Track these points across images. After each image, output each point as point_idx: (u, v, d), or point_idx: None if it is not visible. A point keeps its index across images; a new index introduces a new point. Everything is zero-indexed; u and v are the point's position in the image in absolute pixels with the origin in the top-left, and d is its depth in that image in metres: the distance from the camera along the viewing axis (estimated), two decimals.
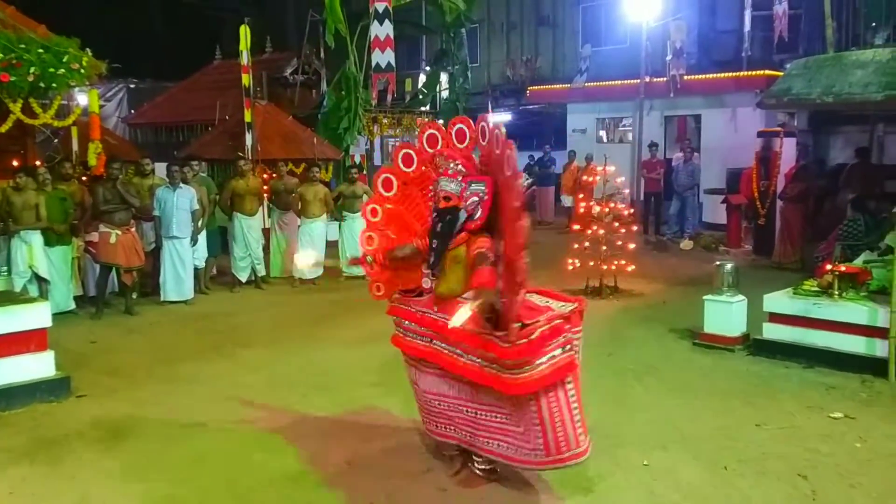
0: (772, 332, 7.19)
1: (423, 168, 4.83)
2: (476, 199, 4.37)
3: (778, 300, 7.23)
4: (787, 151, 12.77)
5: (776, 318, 7.17)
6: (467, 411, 4.37)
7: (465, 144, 4.69)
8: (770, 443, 5.14)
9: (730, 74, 16.48)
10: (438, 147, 4.74)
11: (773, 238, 12.34)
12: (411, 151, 4.88)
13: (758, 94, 14.48)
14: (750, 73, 15.99)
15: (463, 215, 4.37)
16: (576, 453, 4.11)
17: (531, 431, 4.08)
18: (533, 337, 3.93)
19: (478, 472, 4.58)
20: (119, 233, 8.93)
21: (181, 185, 9.59)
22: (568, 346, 4.08)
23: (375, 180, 4.96)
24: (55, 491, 4.56)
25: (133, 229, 9.21)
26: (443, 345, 4.34)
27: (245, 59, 12.87)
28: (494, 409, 4.23)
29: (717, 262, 7.80)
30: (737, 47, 16.65)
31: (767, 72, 15.61)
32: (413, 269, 4.72)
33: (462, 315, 3.88)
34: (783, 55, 15.99)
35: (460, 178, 4.42)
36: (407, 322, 4.59)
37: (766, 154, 12.75)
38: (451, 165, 4.47)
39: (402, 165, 4.90)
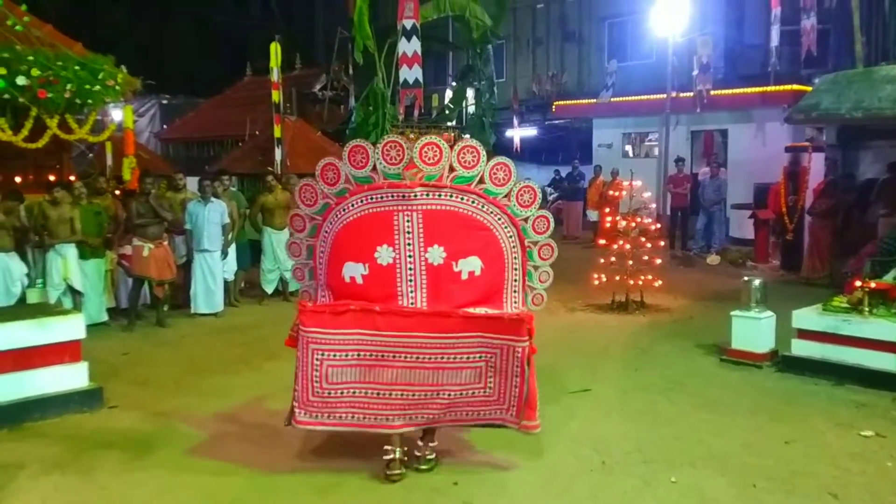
0: (801, 348, 7.12)
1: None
2: None
3: (807, 316, 7.17)
4: (816, 166, 12.66)
5: (805, 334, 7.10)
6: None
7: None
8: (799, 460, 5.09)
9: (757, 89, 16.40)
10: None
11: (801, 253, 12.23)
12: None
13: (785, 109, 14.38)
14: (777, 87, 15.90)
15: None
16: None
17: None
18: None
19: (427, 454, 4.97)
20: (152, 246, 9.08)
21: (212, 199, 9.74)
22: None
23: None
24: (86, 501, 4.64)
25: (166, 243, 9.37)
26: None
27: (275, 75, 13.06)
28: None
29: (745, 278, 7.76)
30: (764, 62, 16.56)
31: (795, 87, 15.52)
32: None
33: None
34: (811, 70, 15.88)
35: None
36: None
37: (795, 169, 12.66)
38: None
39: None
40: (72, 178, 10.14)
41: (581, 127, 22.08)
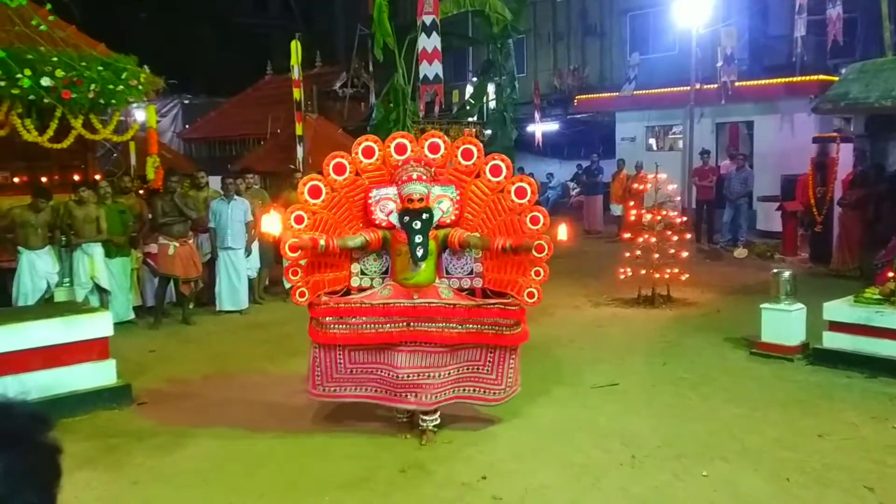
0: (832, 340, 7.01)
1: (355, 176, 5.47)
2: (448, 201, 5.35)
3: (838, 308, 7.06)
4: (844, 157, 12.47)
5: (836, 326, 6.99)
6: (443, 374, 5.27)
7: (438, 154, 5.51)
8: (833, 454, 5.00)
9: (782, 80, 16.19)
10: (374, 158, 5.47)
11: (830, 246, 12.04)
12: (344, 160, 5.44)
13: (811, 99, 14.19)
14: (803, 78, 15.68)
15: (438, 213, 5.30)
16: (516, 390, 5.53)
17: (501, 374, 5.38)
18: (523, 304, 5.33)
19: (431, 428, 5.33)
20: (177, 244, 9.13)
21: (235, 197, 9.77)
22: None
23: (301, 186, 5.38)
24: (118, 496, 4.67)
25: (191, 241, 9.41)
26: (428, 324, 5.19)
27: (296, 73, 13.06)
28: (473, 363, 5.37)
29: (775, 270, 7.65)
30: (789, 52, 16.35)
31: (821, 76, 15.30)
32: (340, 270, 5.44)
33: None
34: (837, 60, 15.65)
35: (427, 182, 5.28)
36: (356, 318, 5.21)
37: (823, 160, 12.48)
38: (420, 171, 5.29)
39: (333, 173, 5.42)
40: (97, 177, 10.23)
41: (603, 121, 21.94)
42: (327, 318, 5.25)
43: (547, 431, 5.52)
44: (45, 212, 8.50)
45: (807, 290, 8.28)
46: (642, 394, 6.38)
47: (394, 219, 5.32)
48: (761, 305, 7.44)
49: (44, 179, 9.95)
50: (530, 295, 5.34)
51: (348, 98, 18.64)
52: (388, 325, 5.21)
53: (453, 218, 5.40)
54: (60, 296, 8.79)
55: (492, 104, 19.71)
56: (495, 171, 5.53)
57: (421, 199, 5.22)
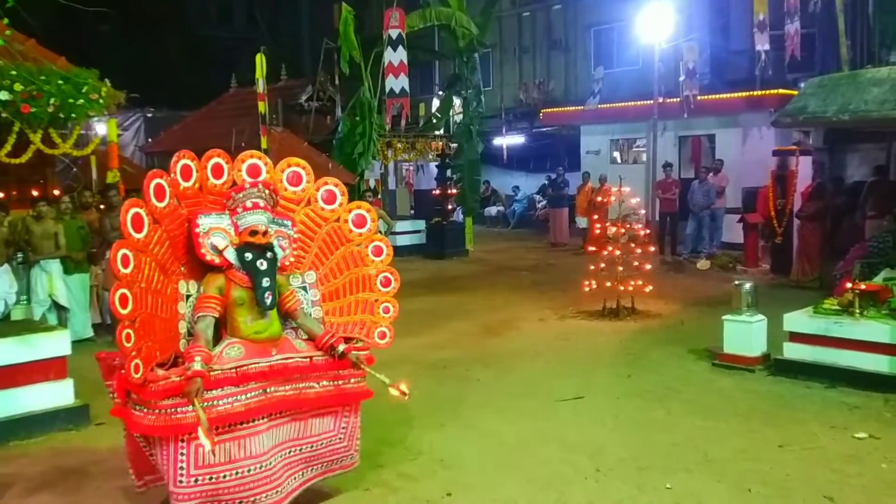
0: (793, 351, 7.11)
1: (174, 202, 4.23)
2: (285, 239, 4.43)
3: (798, 319, 7.16)
4: (804, 170, 12.70)
5: (797, 337, 7.10)
6: (300, 449, 4.32)
7: (222, 181, 4.44)
8: (794, 464, 5.06)
9: (743, 94, 16.46)
10: (192, 180, 4.32)
11: (790, 257, 12.24)
12: (164, 182, 4.16)
13: (771, 113, 14.41)
14: (763, 92, 15.96)
15: (280, 252, 4.37)
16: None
17: (352, 437, 4.52)
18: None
19: None
20: None
21: None
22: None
23: (123, 216, 3.91)
24: None
25: None
26: (286, 386, 4.15)
27: (261, 86, 13.02)
28: (325, 434, 4.42)
29: (736, 282, 7.74)
30: (749, 67, 16.62)
31: (781, 91, 15.58)
32: (170, 331, 4.14)
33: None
34: (797, 74, 15.95)
35: (268, 213, 4.30)
36: (211, 391, 3.88)
37: (783, 173, 12.70)
38: (264, 197, 4.29)
39: (154, 199, 4.10)
40: (56, 192, 10.04)
41: (569, 134, 22.12)
42: (166, 401, 3.85)
43: (513, 446, 5.50)
44: (1, 228, 8.32)
45: (768, 301, 8.40)
46: (608, 406, 6.40)
47: (230, 256, 4.19)
48: (723, 317, 7.52)
49: (1, 195, 9.75)
50: (381, 335, 4.66)
51: (314, 111, 18.59)
52: (242, 398, 3.99)
53: (292, 260, 4.52)
54: (17, 314, 8.57)
55: (458, 118, 19.82)
56: (329, 197, 4.74)
57: (265, 233, 4.23)
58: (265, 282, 4.17)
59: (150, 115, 22.35)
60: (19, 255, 8.68)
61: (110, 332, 9.29)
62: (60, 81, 8.93)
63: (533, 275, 13.47)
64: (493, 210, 24.46)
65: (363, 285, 4.75)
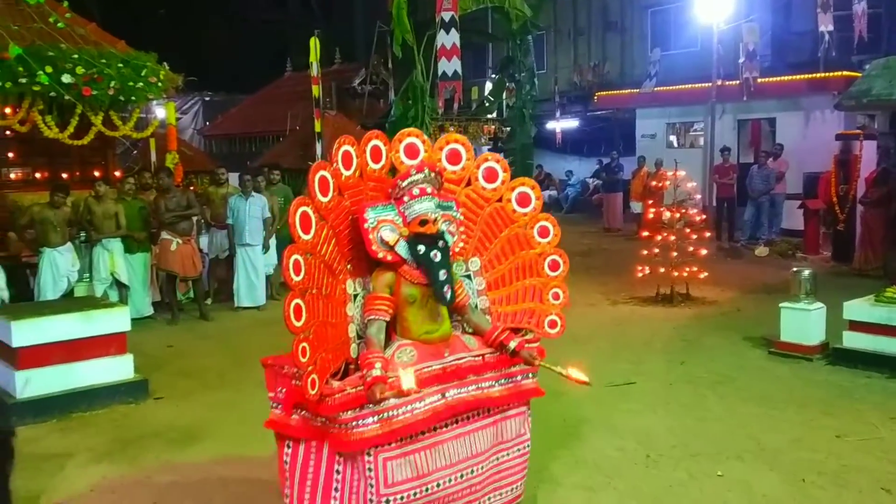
0: (852, 340, 6.92)
1: (337, 194, 3.70)
2: (453, 224, 3.82)
3: (859, 308, 6.96)
4: (868, 154, 12.31)
5: (857, 326, 6.90)
6: (486, 464, 3.78)
7: (380, 165, 3.90)
8: (851, 455, 4.93)
9: (805, 76, 15.99)
10: (353, 167, 3.78)
11: (853, 244, 11.90)
12: (328, 174, 3.65)
13: (835, 96, 14.01)
14: (827, 74, 15.48)
15: (451, 239, 3.80)
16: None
17: (524, 454, 3.98)
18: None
19: None
20: (180, 241, 9.16)
21: (253, 193, 9.81)
22: None
23: (291, 217, 3.49)
24: (132, 490, 4.70)
25: (194, 241, 9.44)
26: (469, 388, 3.70)
27: (315, 70, 13.10)
28: (515, 442, 3.94)
29: (795, 269, 7.56)
30: (812, 48, 16.14)
31: (845, 73, 15.10)
32: (340, 336, 3.71)
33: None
34: (862, 56, 15.43)
35: (436, 198, 3.75)
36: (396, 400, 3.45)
37: (846, 157, 12.33)
38: (432, 182, 3.75)
39: (319, 194, 3.59)
40: (116, 173, 10.33)
41: (624, 118, 21.81)
42: (346, 414, 3.45)
43: (559, 429, 5.48)
44: (64, 208, 8.58)
45: (828, 289, 8.19)
46: (659, 392, 6.33)
47: (402, 250, 3.65)
48: (780, 304, 7.35)
49: (64, 176, 10.06)
50: (552, 324, 4.22)
51: (367, 95, 18.70)
52: (421, 406, 3.53)
53: (461, 246, 4.00)
54: (80, 291, 8.88)
55: (511, 101, 19.69)
56: (490, 175, 4.17)
57: (436, 221, 3.68)
58: (442, 274, 3.65)
59: (207, 98, 22.78)
60: (82, 234, 8.95)
61: (169, 310, 9.54)
62: (120, 65, 9.17)
63: (586, 259, 13.36)
64: (546, 194, 24.31)
65: (530, 270, 4.24)
